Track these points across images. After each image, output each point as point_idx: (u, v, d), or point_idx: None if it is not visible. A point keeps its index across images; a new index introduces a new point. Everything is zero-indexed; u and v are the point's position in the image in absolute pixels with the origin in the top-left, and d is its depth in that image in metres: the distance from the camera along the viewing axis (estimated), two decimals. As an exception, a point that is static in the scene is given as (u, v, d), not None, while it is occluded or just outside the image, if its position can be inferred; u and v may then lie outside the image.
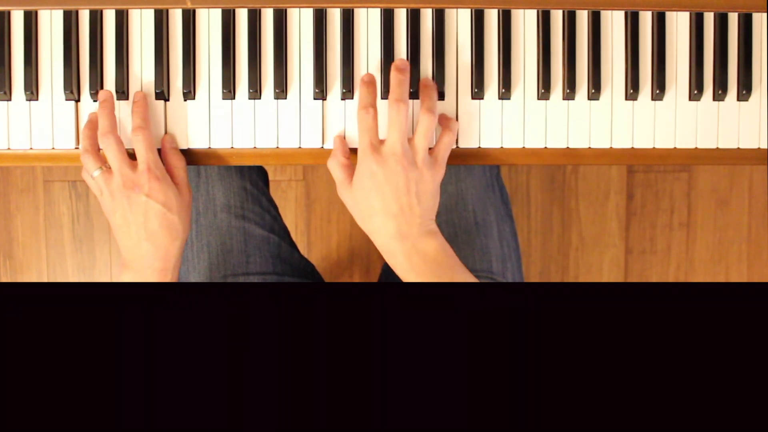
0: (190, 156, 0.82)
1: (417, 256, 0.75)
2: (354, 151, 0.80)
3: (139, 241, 0.76)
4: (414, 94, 0.82)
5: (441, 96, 0.82)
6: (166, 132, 0.81)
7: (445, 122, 0.80)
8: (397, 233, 0.75)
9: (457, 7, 0.82)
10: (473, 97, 0.82)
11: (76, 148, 0.81)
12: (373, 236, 0.78)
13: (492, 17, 0.83)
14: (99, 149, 0.78)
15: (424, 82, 0.80)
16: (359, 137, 0.77)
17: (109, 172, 0.76)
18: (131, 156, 0.77)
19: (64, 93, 0.80)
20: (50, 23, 0.80)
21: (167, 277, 0.77)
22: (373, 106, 0.78)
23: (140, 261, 0.77)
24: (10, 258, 1.54)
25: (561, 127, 0.83)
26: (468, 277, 0.78)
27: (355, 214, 0.78)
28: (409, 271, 0.76)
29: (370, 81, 0.79)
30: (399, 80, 0.78)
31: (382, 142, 0.77)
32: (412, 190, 0.75)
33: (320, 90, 0.81)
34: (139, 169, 0.76)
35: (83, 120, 0.81)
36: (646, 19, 0.83)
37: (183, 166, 0.80)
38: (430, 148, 0.78)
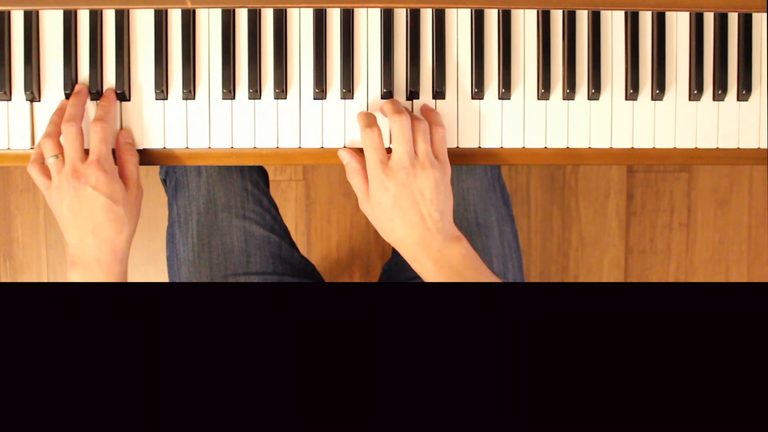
0: (191, 156, 0.82)
1: (444, 261, 0.76)
2: (361, 151, 0.81)
3: (86, 234, 0.76)
4: (415, 94, 0.82)
5: (441, 96, 0.82)
6: (167, 131, 0.81)
7: (429, 118, 0.80)
8: (422, 241, 0.76)
9: (457, 7, 0.82)
10: (473, 97, 0.83)
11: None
12: (398, 246, 0.78)
13: (492, 17, 0.83)
14: (60, 137, 0.78)
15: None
16: (367, 156, 0.77)
17: (63, 160, 0.76)
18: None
19: (64, 93, 0.80)
20: (50, 23, 0.80)
21: (114, 270, 0.77)
22: (377, 125, 0.78)
23: (86, 255, 0.76)
24: (10, 258, 1.54)
25: (561, 127, 0.83)
26: (492, 277, 0.78)
27: (377, 227, 0.79)
28: (437, 277, 0.77)
29: (368, 113, 0.81)
30: (392, 100, 0.80)
31: (389, 156, 0.77)
32: (426, 197, 0.76)
33: (320, 90, 0.81)
34: (89, 159, 0.76)
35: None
36: (646, 19, 0.83)
37: (135, 162, 0.80)
38: None
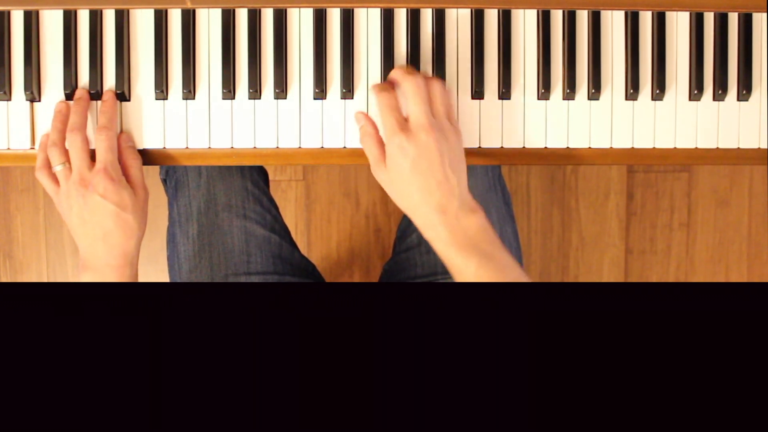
0: (191, 156, 0.82)
1: (460, 230, 0.74)
2: (358, 150, 0.81)
3: (96, 240, 0.76)
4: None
5: (441, 96, 0.82)
6: (171, 132, 0.81)
7: (433, 88, 0.79)
8: (438, 207, 0.74)
9: (457, 7, 0.82)
10: (473, 97, 0.82)
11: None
12: (412, 213, 0.76)
13: (492, 17, 0.83)
14: (65, 144, 0.78)
15: None
16: (383, 118, 0.76)
17: (70, 168, 0.77)
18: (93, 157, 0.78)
19: (64, 93, 0.80)
20: (50, 23, 0.80)
21: (125, 274, 0.78)
22: (392, 89, 0.77)
23: (97, 259, 0.77)
24: (10, 258, 1.54)
25: (561, 127, 0.83)
26: (506, 255, 0.76)
27: (391, 193, 0.77)
28: (450, 244, 0.74)
29: (382, 83, 0.80)
30: (400, 66, 0.79)
31: (406, 119, 0.76)
32: (445, 161, 0.74)
33: (320, 90, 0.81)
34: (96, 168, 0.76)
35: (83, 120, 0.81)
36: (646, 19, 0.83)
37: (138, 165, 0.80)
38: None
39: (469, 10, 0.82)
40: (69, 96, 0.80)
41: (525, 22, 0.83)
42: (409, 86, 0.75)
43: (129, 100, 0.81)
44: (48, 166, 0.78)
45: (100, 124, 0.78)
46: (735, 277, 1.63)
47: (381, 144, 0.77)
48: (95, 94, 0.80)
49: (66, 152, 0.77)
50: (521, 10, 0.82)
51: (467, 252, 0.74)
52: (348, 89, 0.81)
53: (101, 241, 0.76)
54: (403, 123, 0.75)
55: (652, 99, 0.84)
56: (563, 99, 0.83)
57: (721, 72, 0.84)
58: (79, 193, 0.76)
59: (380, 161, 0.77)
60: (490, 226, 0.76)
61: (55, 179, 0.78)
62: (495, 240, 0.76)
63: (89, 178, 0.76)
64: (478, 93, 0.82)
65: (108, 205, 0.75)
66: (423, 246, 0.98)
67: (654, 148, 0.84)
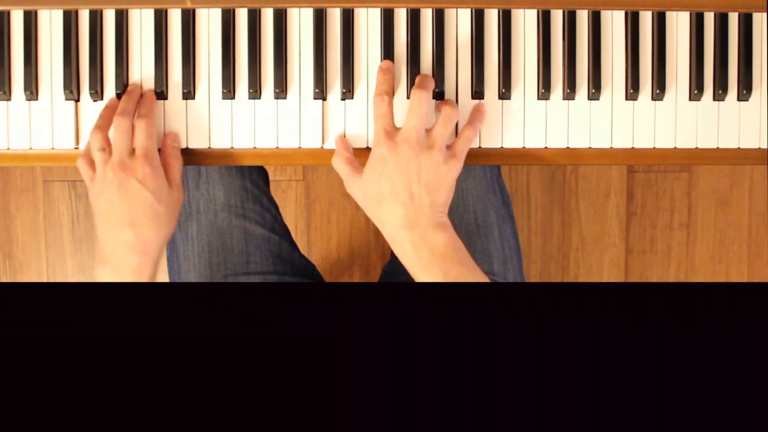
0: (191, 156, 0.82)
1: (425, 247, 0.74)
2: (357, 151, 0.81)
3: (121, 228, 0.75)
4: (414, 94, 0.82)
5: (441, 96, 0.82)
6: (165, 132, 0.81)
7: (471, 116, 0.80)
8: (406, 222, 0.74)
9: (457, 7, 0.82)
10: (473, 97, 0.82)
11: (76, 148, 0.81)
12: (381, 225, 0.77)
13: (492, 17, 0.83)
14: (108, 131, 0.78)
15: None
16: (374, 124, 0.77)
17: (109, 154, 0.76)
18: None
19: (64, 93, 0.80)
20: (50, 23, 0.80)
21: (145, 273, 0.76)
22: (389, 93, 0.78)
23: (117, 253, 0.76)
24: (10, 258, 1.54)
25: (561, 127, 0.83)
26: (476, 273, 0.76)
27: (363, 203, 0.78)
28: (416, 263, 0.75)
29: (387, 68, 0.80)
30: (423, 75, 0.79)
31: (397, 129, 0.76)
32: (422, 179, 0.74)
33: (320, 90, 0.81)
34: (136, 154, 0.76)
35: (83, 120, 0.81)
36: (646, 19, 0.83)
37: (180, 166, 0.79)
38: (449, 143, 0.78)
39: (469, 10, 0.82)
40: (69, 96, 0.80)
41: (525, 22, 0.83)
42: (412, 99, 0.76)
43: (129, 100, 0.81)
44: (89, 153, 0.77)
45: (140, 113, 0.77)
46: (735, 277, 1.63)
47: (350, 162, 0.78)
48: (95, 93, 0.80)
49: (107, 138, 0.77)
50: (521, 10, 0.82)
51: (432, 272, 0.74)
52: (348, 89, 0.81)
53: (128, 228, 0.75)
54: (390, 132, 0.76)
55: (652, 99, 0.84)
56: (563, 99, 0.83)
57: (721, 72, 0.84)
58: (116, 176, 0.75)
59: (352, 175, 0.78)
60: (459, 243, 0.76)
61: (92, 165, 0.77)
62: (462, 258, 0.76)
63: (129, 162, 0.75)
64: (478, 93, 0.82)
65: (144, 191, 0.75)
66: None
67: (654, 148, 0.84)
